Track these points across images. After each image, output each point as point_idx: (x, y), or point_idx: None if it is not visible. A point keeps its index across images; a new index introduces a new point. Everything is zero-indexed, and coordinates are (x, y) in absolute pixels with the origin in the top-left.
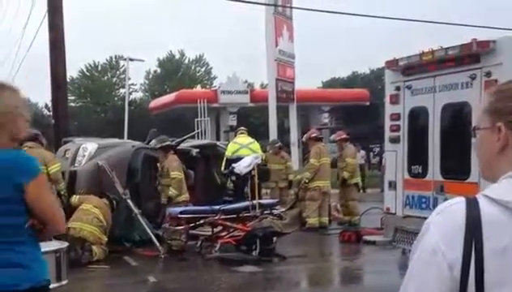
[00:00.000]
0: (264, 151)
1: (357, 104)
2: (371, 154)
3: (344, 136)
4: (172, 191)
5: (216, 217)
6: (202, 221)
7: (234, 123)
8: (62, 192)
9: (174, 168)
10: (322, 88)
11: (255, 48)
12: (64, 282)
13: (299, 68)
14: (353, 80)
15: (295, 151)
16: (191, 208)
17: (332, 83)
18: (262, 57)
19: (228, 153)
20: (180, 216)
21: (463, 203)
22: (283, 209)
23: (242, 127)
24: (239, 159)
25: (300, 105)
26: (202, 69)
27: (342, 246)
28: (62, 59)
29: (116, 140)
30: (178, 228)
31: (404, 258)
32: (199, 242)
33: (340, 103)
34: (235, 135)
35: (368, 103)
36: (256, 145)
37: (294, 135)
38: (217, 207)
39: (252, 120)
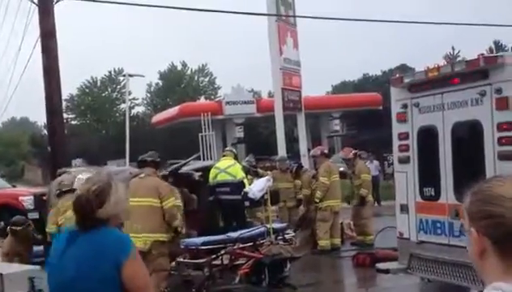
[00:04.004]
0: (271, 169)
1: (370, 109)
2: (385, 163)
3: (354, 152)
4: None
5: (235, 247)
6: (222, 252)
7: (241, 135)
8: (179, 229)
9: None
10: (332, 92)
11: (260, 55)
12: None
13: (307, 73)
14: (364, 83)
15: (305, 162)
16: (210, 238)
17: (342, 87)
18: (267, 64)
19: (210, 180)
20: (201, 247)
21: None
22: (293, 230)
23: (228, 148)
24: (220, 185)
25: (310, 112)
26: (206, 79)
27: (356, 271)
28: (57, 84)
29: (114, 168)
30: (202, 261)
31: (424, 284)
32: (207, 273)
33: (351, 108)
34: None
35: (381, 107)
36: (235, 168)
37: (304, 146)
38: (235, 235)
39: (260, 130)
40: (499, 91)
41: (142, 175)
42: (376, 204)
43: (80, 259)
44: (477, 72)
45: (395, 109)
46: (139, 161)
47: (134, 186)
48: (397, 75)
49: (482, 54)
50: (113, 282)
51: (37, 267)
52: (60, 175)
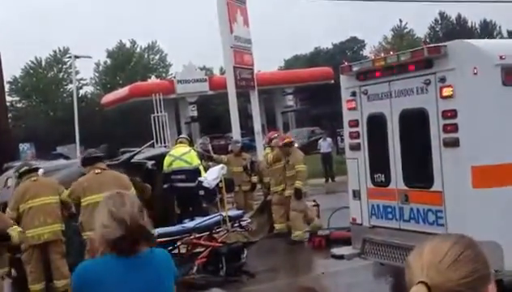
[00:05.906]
0: (226, 147)
1: (322, 83)
2: (339, 138)
3: (288, 140)
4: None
5: (191, 237)
6: (179, 243)
7: (194, 114)
8: None
9: None
10: (285, 67)
11: (210, 30)
12: None
13: (259, 47)
14: (316, 56)
15: (259, 140)
16: (166, 229)
17: (295, 61)
18: (218, 40)
19: (165, 167)
20: (157, 240)
21: None
22: (250, 215)
23: (182, 135)
24: (175, 172)
25: (263, 88)
26: (157, 56)
27: (312, 255)
28: None
29: (62, 162)
30: None
31: (377, 265)
32: None
33: (304, 83)
34: (176, 143)
35: (333, 81)
36: (190, 155)
37: (258, 124)
38: (190, 225)
39: (213, 107)
40: (443, 80)
41: (98, 170)
42: (330, 181)
43: (150, 282)
44: (422, 62)
45: (345, 96)
46: (91, 157)
47: (96, 182)
48: (345, 64)
49: (426, 43)
50: None
51: None
52: (6, 170)
